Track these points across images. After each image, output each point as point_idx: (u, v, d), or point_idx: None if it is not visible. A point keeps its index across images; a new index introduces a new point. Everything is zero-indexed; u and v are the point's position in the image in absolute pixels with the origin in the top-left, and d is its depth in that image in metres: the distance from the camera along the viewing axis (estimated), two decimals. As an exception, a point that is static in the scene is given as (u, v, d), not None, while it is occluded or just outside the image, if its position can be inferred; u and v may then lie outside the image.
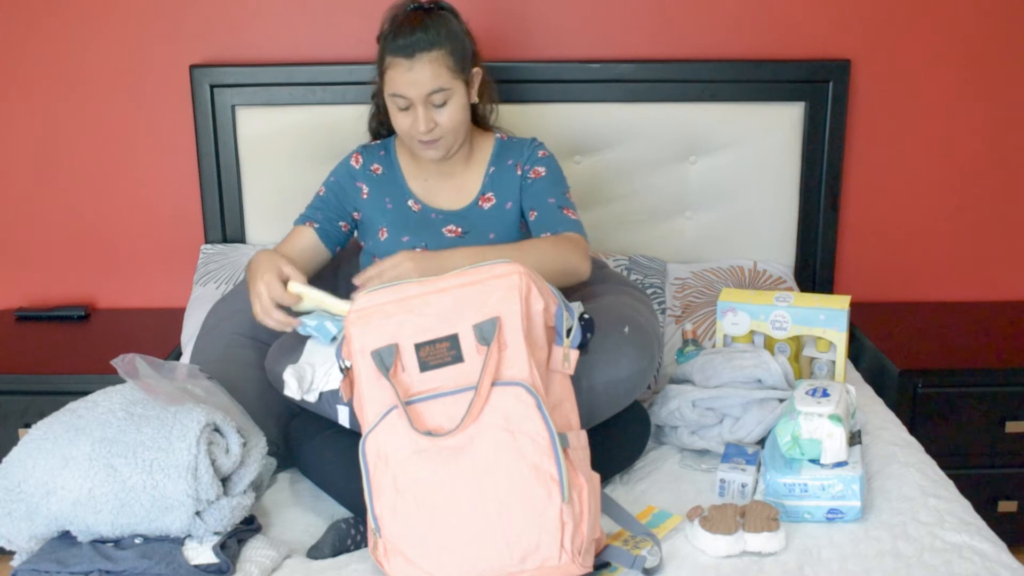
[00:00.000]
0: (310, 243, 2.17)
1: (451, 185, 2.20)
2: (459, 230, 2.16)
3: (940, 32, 2.74)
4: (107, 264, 2.91)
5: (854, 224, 2.88)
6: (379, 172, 2.21)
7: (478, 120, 2.24)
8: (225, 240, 2.80)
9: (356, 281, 1.90)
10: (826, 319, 2.18)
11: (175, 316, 2.73)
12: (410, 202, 2.19)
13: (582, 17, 2.73)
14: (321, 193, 2.22)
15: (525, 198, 2.17)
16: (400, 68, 2.01)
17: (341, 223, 2.20)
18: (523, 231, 2.20)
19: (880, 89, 2.78)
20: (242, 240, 2.80)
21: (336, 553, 1.79)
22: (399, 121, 2.07)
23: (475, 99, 2.13)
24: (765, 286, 2.68)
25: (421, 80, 2.00)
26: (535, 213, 2.14)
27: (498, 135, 2.24)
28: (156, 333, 2.72)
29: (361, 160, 2.22)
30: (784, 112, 2.72)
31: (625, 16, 2.74)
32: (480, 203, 2.18)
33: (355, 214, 2.21)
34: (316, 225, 2.17)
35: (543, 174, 2.17)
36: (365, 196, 2.19)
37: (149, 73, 2.76)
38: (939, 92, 2.79)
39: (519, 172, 2.18)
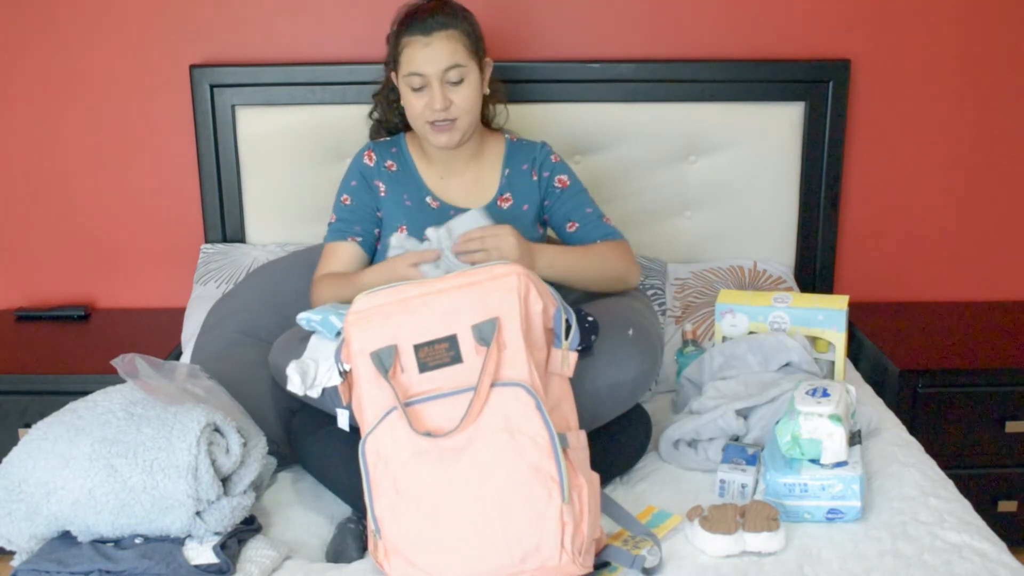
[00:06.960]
0: (356, 258, 2.14)
1: (466, 182, 2.19)
2: None
3: (940, 32, 2.74)
4: (107, 264, 2.91)
5: (854, 224, 2.87)
6: (394, 169, 2.19)
7: (484, 119, 2.24)
8: (225, 240, 2.80)
9: (456, 248, 1.91)
10: (825, 319, 2.18)
11: (175, 316, 2.73)
12: (428, 199, 2.18)
13: (582, 17, 2.73)
14: (347, 202, 2.18)
15: (556, 208, 2.18)
16: (417, 45, 2.02)
17: (376, 229, 2.18)
18: (539, 232, 2.21)
19: (880, 89, 2.78)
20: (242, 240, 2.80)
21: (364, 551, 1.79)
22: (413, 103, 2.06)
23: (487, 90, 2.14)
24: (765, 286, 2.68)
25: (438, 56, 2.02)
26: (575, 225, 2.16)
27: (507, 136, 2.25)
28: (156, 333, 2.72)
29: (374, 157, 2.20)
30: (784, 112, 2.72)
31: (625, 16, 2.73)
32: (499, 203, 2.18)
33: (378, 213, 2.19)
34: (359, 239, 2.15)
35: (568, 183, 2.19)
36: (383, 194, 2.18)
37: (149, 73, 2.76)
38: (939, 92, 2.79)
39: (535, 177, 2.18)
